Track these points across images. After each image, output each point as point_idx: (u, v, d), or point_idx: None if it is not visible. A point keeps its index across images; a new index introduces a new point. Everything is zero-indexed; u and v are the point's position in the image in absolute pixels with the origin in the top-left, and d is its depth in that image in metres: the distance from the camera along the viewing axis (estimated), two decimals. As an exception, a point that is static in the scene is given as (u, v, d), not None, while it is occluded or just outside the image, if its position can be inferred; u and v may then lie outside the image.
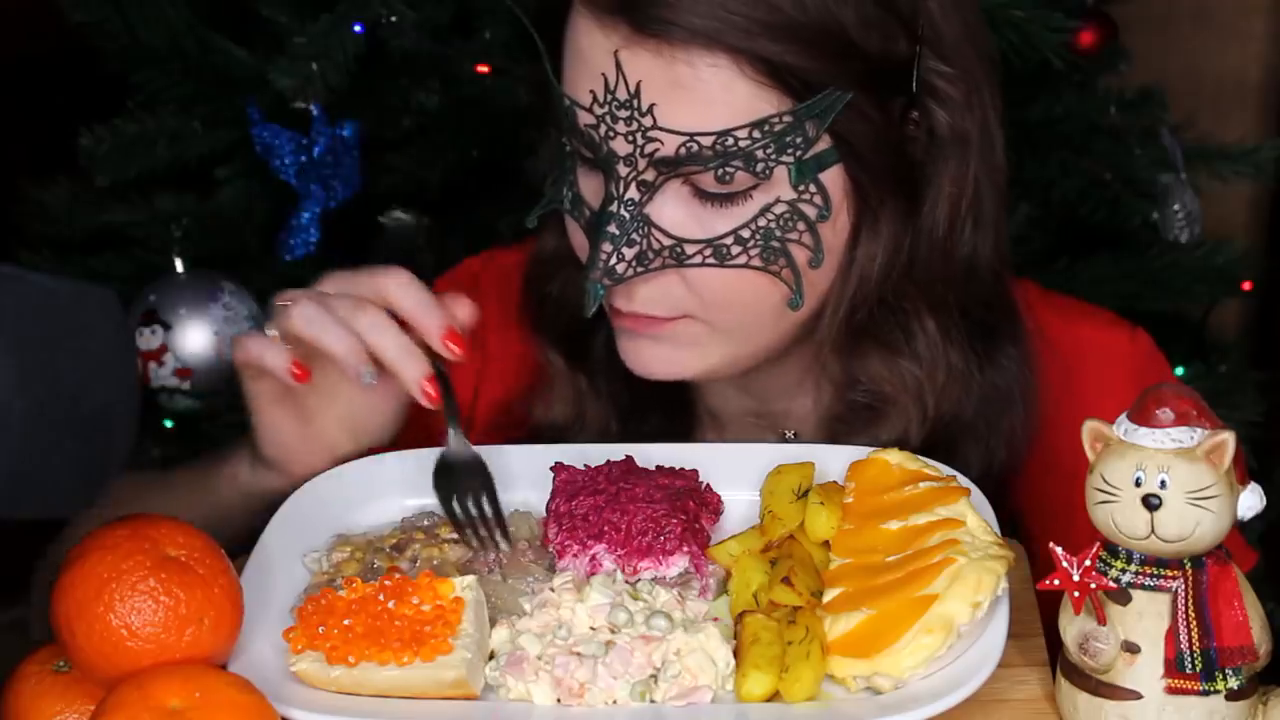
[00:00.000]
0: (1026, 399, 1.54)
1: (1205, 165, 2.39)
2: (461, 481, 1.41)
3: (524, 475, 1.45)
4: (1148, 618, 1.19)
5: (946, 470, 1.40)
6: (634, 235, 1.41)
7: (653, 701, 1.25)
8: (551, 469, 1.43)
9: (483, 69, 2.24)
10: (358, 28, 2.15)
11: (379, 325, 1.40)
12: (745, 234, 1.41)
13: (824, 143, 1.40)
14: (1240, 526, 1.22)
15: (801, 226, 1.41)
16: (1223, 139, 2.46)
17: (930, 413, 1.50)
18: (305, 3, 2.19)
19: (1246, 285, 2.46)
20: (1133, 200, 2.37)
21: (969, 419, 1.51)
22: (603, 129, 1.39)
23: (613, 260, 1.41)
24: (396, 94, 2.25)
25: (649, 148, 1.38)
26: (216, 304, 2.25)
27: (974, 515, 1.32)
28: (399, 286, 1.41)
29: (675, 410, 1.61)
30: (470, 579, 1.28)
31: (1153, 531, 1.17)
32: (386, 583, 1.27)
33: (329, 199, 2.21)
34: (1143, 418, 1.19)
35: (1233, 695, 1.20)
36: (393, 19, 2.18)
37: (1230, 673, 1.19)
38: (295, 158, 2.18)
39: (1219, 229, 2.59)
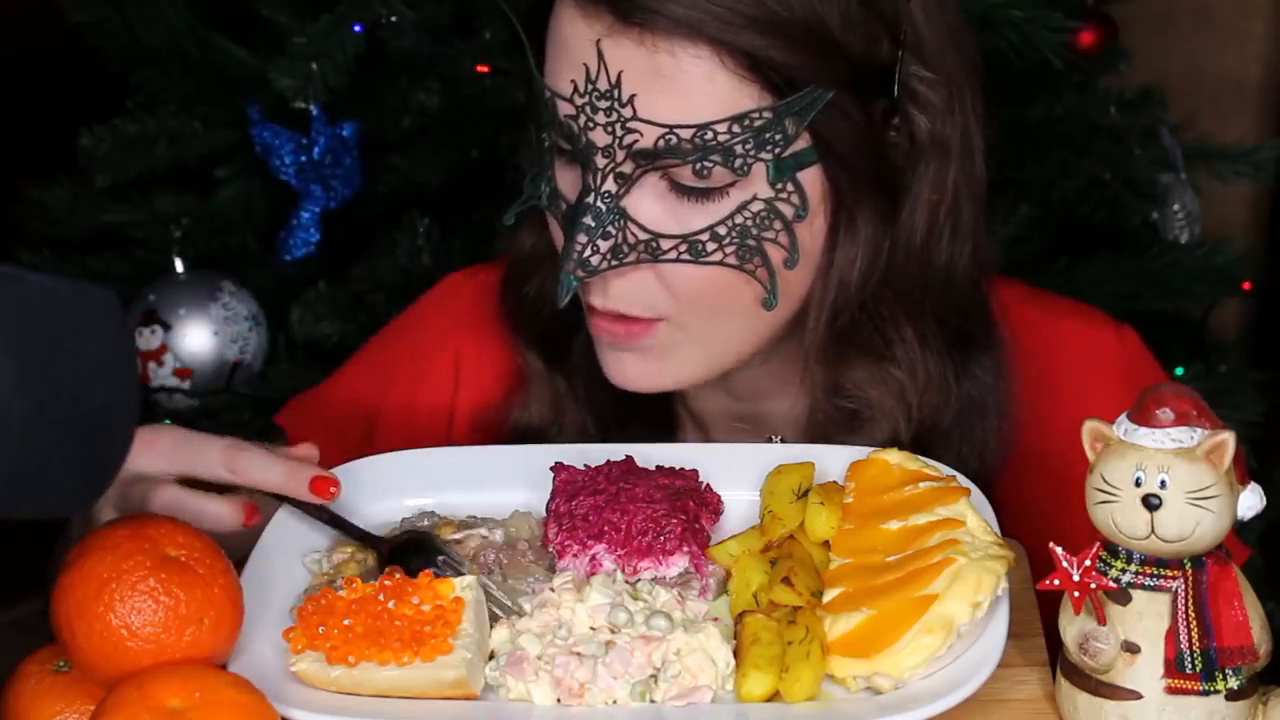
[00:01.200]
0: (1001, 408, 1.54)
1: (1205, 165, 2.39)
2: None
3: (524, 475, 1.45)
4: (1148, 618, 1.20)
5: (946, 470, 1.40)
6: (610, 228, 1.40)
7: (653, 701, 1.25)
8: (551, 469, 1.43)
9: (483, 69, 2.23)
10: (357, 28, 2.15)
11: (171, 507, 1.36)
12: (721, 231, 1.40)
13: (803, 141, 1.40)
14: (1240, 526, 1.22)
15: (778, 225, 1.41)
16: (1223, 139, 2.46)
17: (914, 416, 1.49)
18: (305, 3, 2.19)
19: (1246, 285, 2.46)
20: (1133, 200, 2.37)
21: (945, 427, 1.51)
22: (582, 119, 1.39)
23: (587, 252, 1.40)
24: (396, 94, 2.25)
25: (628, 139, 1.38)
26: (216, 304, 2.25)
27: (974, 515, 1.32)
28: (246, 467, 1.38)
29: (656, 415, 1.61)
30: (470, 579, 1.28)
31: (1153, 531, 1.17)
32: (386, 583, 1.27)
33: (329, 199, 2.21)
34: (1143, 418, 1.19)
35: (1233, 695, 1.20)
36: (393, 19, 2.18)
37: (1230, 673, 1.19)
38: (295, 158, 2.18)
39: (1219, 229, 2.59)
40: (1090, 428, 1.20)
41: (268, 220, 2.28)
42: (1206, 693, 1.19)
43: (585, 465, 1.43)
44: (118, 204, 2.30)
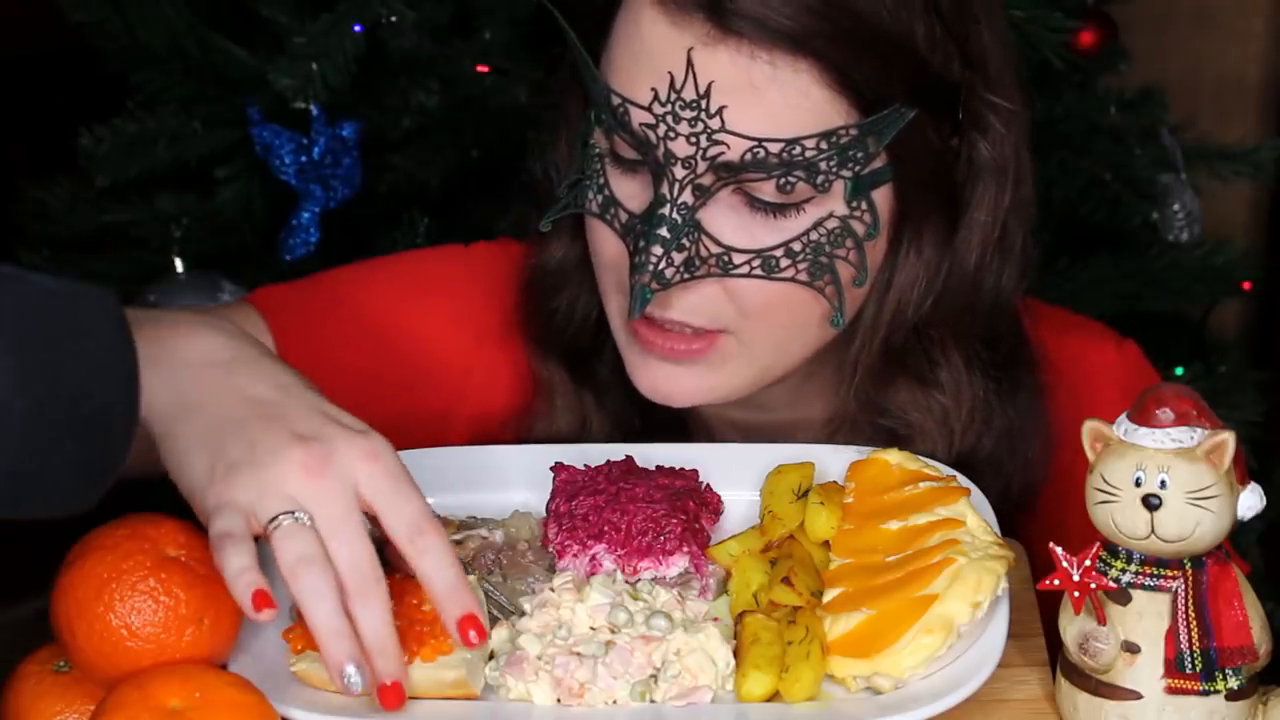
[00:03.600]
0: (1042, 428, 1.53)
1: (1205, 165, 2.39)
2: None
3: (524, 475, 1.45)
4: (1148, 618, 1.20)
5: (946, 470, 1.40)
6: (684, 240, 1.38)
7: (653, 701, 1.25)
8: (551, 469, 1.43)
9: (483, 69, 2.23)
10: (358, 28, 2.15)
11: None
12: (796, 247, 1.39)
13: (880, 160, 1.39)
14: (1240, 526, 1.22)
15: (850, 244, 1.40)
16: (1223, 139, 2.46)
17: (956, 444, 1.48)
18: (305, 3, 2.18)
19: (1246, 285, 2.46)
20: (1133, 200, 2.37)
21: (989, 451, 1.50)
22: (662, 129, 1.36)
23: (662, 264, 1.38)
24: (396, 94, 2.25)
25: (712, 151, 1.36)
26: (216, 304, 2.25)
27: (974, 515, 1.32)
28: (421, 552, 1.22)
29: (672, 427, 1.59)
30: (470, 579, 1.28)
31: (1153, 531, 1.17)
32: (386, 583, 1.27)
33: (329, 199, 2.21)
34: (1143, 418, 1.19)
35: (1233, 695, 1.20)
36: (393, 19, 2.18)
37: (1230, 673, 1.19)
38: (295, 158, 2.18)
39: (1219, 229, 2.59)
40: (1090, 428, 1.21)
41: (268, 220, 2.28)
42: (1206, 693, 1.19)
43: (585, 465, 1.43)
44: (118, 204, 2.29)
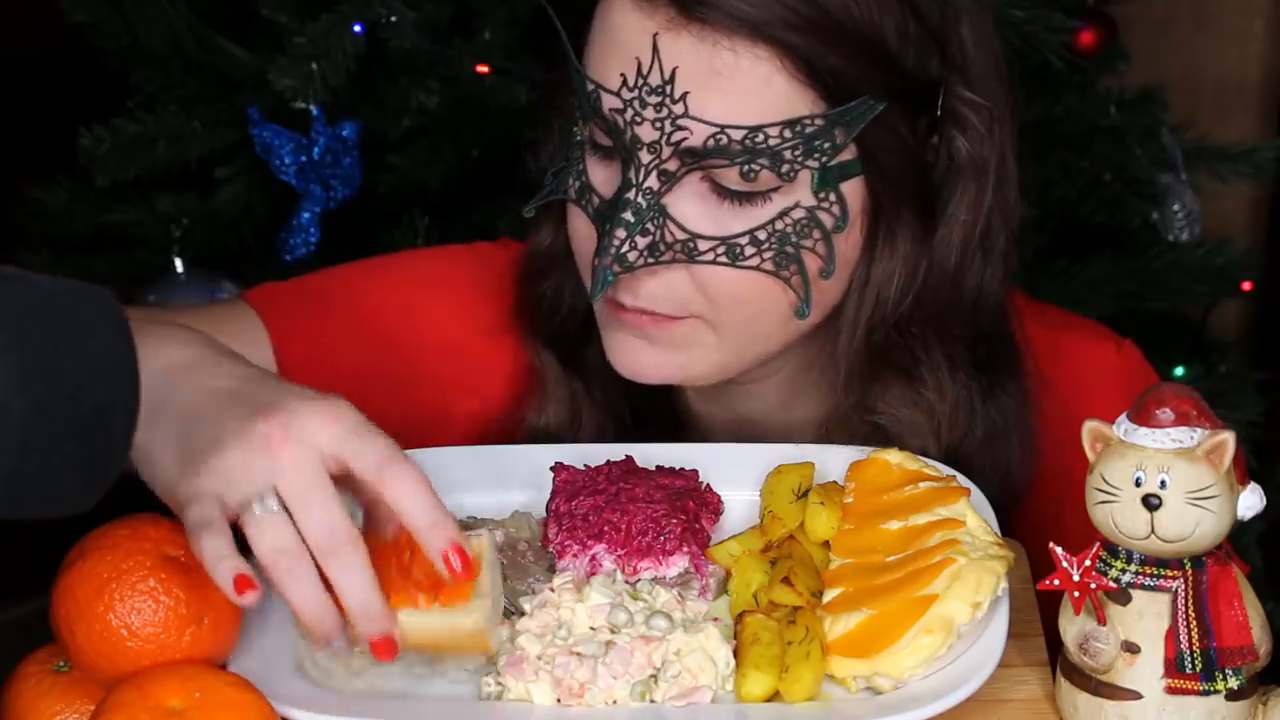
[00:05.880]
0: (1024, 435, 1.53)
1: (1205, 165, 2.39)
2: None
3: (524, 475, 1.45)
4: (1148, 618, 1.20)
5: (946, 470, 1.40)
6: (649, 225, 1.39)
7: (653, 701, 1.25)
8: (551, 469, 1.43)
9: (483, 69, 2.24)
10: (358, 28, 2.15)
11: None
12: (761, 236, 1.40)
13: (849, 152, 1.39)
14: (1240, 526, 1.22)
15: (817, 235, 1.40)
16: (1223, 139, 2.46)
17: (943, 441, 1.49)
18: (305, 3, 2.19)
19: (1246, 285, 2.46)
20: (1133, 200, 2.37)
21: (969, 453, 1.50)
22: (629, 114, 1.38)
23: (625, 248, 1.39)
24: (396, 94, 2.25)
25: (676, 136, 1.37)
26: (214, 301, 2.25)
27: (974, 515, 1.32)
28: (396, 487, 1.20)
29: (669, 422, 1.59)
30: (484, 535, 1.26)
31: (1153, 531, 1.17)
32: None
33: (329, 199, 2.21)
34: (1143, 418, 1.19)
35: (1233, 695, 1.20)
36: (393, 19, 2.18)
37: (1230, 673, 1.19)
38: (295, 158, 2.18)
39: (1219, 229, 2.60)
40: (1090, 428, 1.21)
41: (268, 220, 2.28)
42: (1206, 693, 1.19)
43: (585, 465, 1.43)
44: (118, 204, 2.30)
